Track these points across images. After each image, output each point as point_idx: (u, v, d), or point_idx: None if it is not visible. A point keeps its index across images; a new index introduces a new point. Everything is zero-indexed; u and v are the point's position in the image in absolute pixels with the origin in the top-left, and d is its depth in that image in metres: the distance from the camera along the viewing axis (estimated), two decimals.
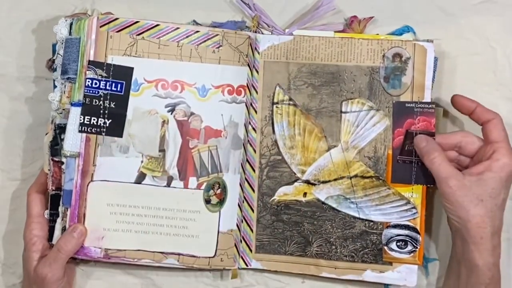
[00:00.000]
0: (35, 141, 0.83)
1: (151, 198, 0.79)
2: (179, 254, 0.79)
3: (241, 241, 0.81)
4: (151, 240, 0.79)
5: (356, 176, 0.80)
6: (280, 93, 0.81)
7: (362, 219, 0.79)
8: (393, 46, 0.79)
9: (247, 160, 0.81)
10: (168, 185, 0.79)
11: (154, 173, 0.79)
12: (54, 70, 0.79)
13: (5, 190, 0.83)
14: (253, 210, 0.81)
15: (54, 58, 0.79)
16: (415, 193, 0.78)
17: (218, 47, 0.80)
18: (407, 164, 0.79)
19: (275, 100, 0.81)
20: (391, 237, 0.79)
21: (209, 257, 0.79)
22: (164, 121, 0.79)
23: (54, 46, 0.80)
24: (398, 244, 0.78)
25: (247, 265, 0.81)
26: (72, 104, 0.78)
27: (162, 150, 0.79)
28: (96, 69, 0.78)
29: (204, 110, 0.80)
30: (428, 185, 0.78)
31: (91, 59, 0.78)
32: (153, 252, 0.79)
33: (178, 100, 0.79)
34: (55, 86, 0.79)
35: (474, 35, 0.81)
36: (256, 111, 0.81)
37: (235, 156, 0.80)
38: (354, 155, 0.80)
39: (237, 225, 0.80)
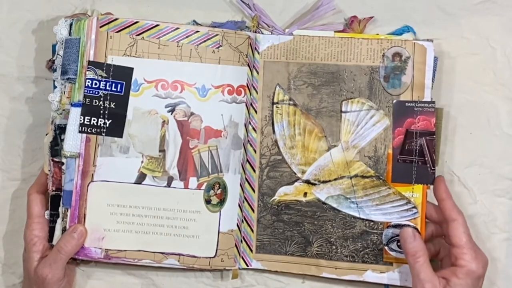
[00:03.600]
0: (35, 141, 0.83)
1: (152, 198, 0.79)
2: (179, 255, 0.79)
3: (241, 241, 0.81)
4: (151, 241, 0.79)
5: (356, 176, 0.80)
6: (280, 93, 0.81)
7: (363, 219, 0.79)
8: (393, 46, 0.79)
9: (247, 160, 0.81)
10: (169, 185, 0.79)
11: (154, 173, 0.79)
12: (54, 70, 0.79)
13: (5, 190, 0.83)
14: (253, 210, 0.81)
15: (54, 58, 0.79)
16: (415, 193, 0.78)
17: (218, 47, 0.80)
18: (407, 164, 0.78)
19: (275, 100, 0.81)
20: (392, 237, 0.79)
21: (210, 258, 0.79)
22: (164, 121, 0.79)
23: (54, 46, 0.80)
24: (398, 244, 0.78)
25: (247, 265, 0.81)
26: (72, 105, 0.78)
27: (162, 150, 0.79)
28: (96, 70, 0.78)
29: (204, 110, 0.80)
30: (428, 185, 0.78)
31: (91, 59, 0.78)
32: (154, 252, 0.79)
33: (178, 100, 0.79)
34: (55, 87, 0.79)
35: (474, 35, 0.81)
36: (256, 111, 0.81)
37: (235, 156, 0.80)
38: (354, 154, 0.80)
39: (237, 225, 0.80)
